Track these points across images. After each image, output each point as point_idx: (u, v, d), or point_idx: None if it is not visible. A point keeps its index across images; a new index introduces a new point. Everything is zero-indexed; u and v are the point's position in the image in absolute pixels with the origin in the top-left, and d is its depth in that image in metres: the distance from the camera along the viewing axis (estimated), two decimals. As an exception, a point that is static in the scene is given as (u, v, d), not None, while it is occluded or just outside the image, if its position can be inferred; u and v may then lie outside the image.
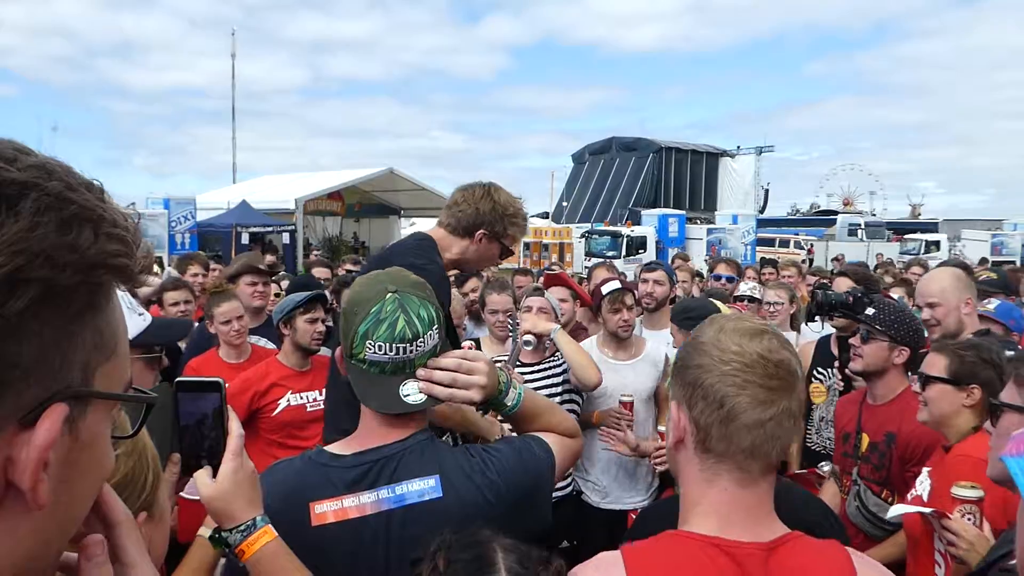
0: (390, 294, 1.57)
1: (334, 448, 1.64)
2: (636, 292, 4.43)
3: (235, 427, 1.39)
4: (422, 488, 1.53)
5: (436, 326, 1.59)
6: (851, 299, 3.78)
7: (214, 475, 1.37)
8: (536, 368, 3.88)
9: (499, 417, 2.04)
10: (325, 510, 1.52)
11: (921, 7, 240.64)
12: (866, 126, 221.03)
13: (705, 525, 1.26)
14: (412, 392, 1.57)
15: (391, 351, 1.55)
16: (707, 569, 1.21)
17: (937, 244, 35.40)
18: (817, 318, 4.07)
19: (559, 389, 3.84)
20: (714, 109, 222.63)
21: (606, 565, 1.26)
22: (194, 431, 1.36)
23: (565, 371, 3.86)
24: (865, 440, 3.17)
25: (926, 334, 3.41)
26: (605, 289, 4.09)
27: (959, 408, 2.55)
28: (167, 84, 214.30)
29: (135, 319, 1.89)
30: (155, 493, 1.13)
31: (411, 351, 1.56)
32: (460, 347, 2.78)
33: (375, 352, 1.56)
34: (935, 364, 2.63)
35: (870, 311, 3.23)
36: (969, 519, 2.00)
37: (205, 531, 1.54)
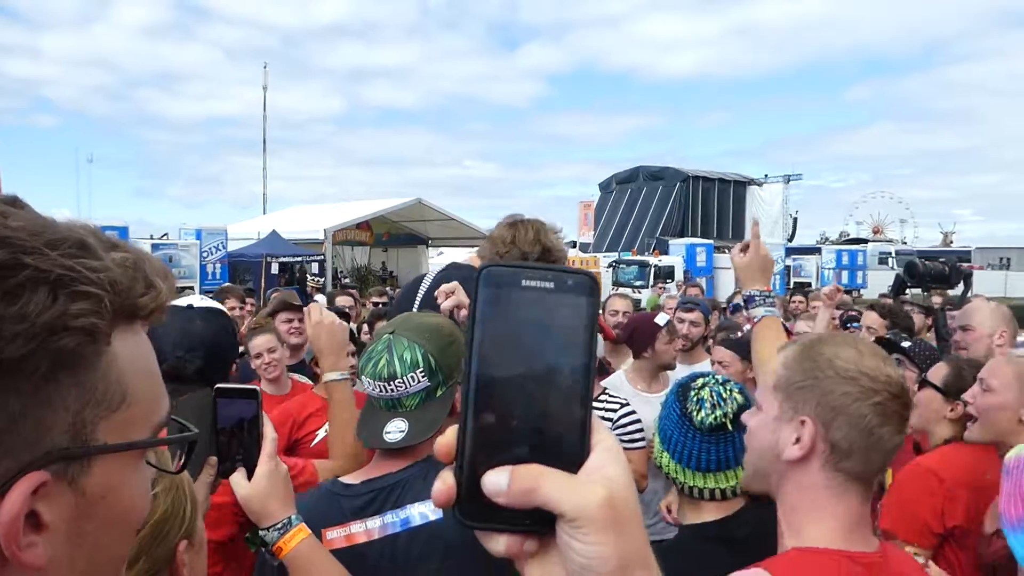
0: (386, 335, 1.69)
1: (347, 478, 1.74)
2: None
3: (269, 432, 1.47)
4: (424, 511, 1.61)
5: (421, 369, 1.65)
6: (947, 270, 3.79)
7: (249, 478, 1.44)
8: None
9: None
10: (335, 536, 1.61)
11: (969, 29, 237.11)
12: (905, 152, 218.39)
13: (830, 539, 1.31)
14: (393, 431, 1.65)
15: (375, 388, 1.67)
16: None
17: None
18: (910, 290, 4.04)
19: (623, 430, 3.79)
20: (752, 136, 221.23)
21: None
22: (231, 435, 1.43)
23: (625, 412, 3.81)
24: (889, 475, 3.16)
25: None
26: (660, 322, 4.14)
27: (940, 418, 2.66)
28: (203, 114, 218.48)
29: None
30: (194, 522, 1.17)
31: (392, 390, 1.64)
32: None
33: (367, 387, 1.69)
34: (936, 372, 2.76)
35: (906, 343, 3.27)
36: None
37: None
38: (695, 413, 1.71)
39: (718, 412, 1.68)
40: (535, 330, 0.59)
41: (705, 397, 1.72)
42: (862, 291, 28.69)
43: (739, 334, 4.45)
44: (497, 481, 0.55)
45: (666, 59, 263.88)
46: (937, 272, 3.83)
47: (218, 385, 1.46)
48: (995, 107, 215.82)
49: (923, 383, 2.74)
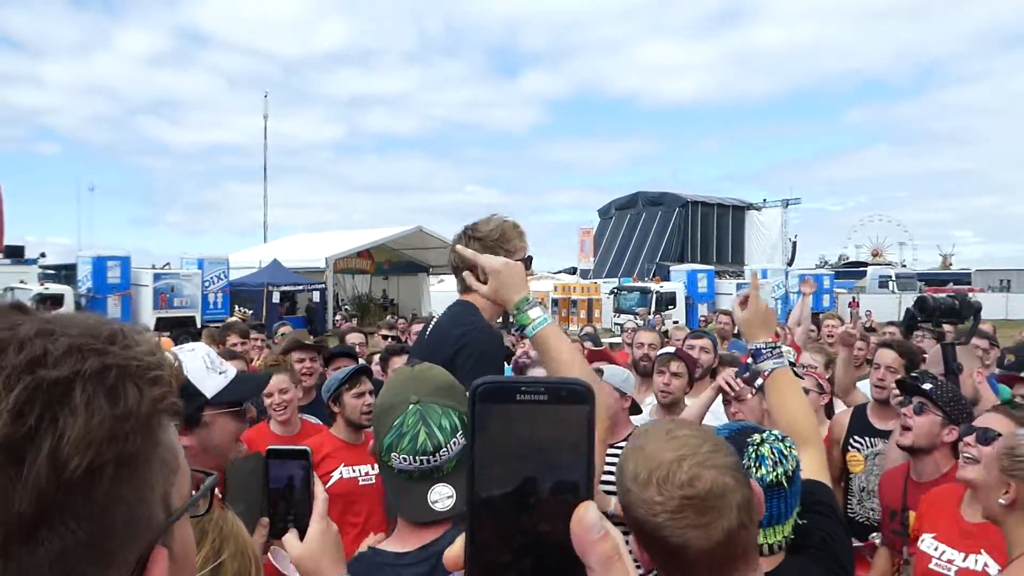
0: (412, 405, 1.64)
1: (387, 547, 1.67)
2: (690, 364, 4.33)
3: (320, 491, 1.48)
4: None
5: (461, 431, 1.64)
6: (957, 303, 3.75)
7: (301, 537, 1.44)
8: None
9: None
10: None
11: (963, 51, 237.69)
12: (903, 175, 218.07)
13: None
14: (440, 498, 1.62)
15: (415, 462, 1.62)
16: None
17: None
18: (921, 325, 4.01)
19: None
20: (750, 160, 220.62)
21: None
22: (283, 496, 1.45)
23: None
24: (913, 517, 3.11)
25: None
26: (659, 352, 4.11)
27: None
28: (204, 142, 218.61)
29: (215, 378, 1.97)
30: None
31: (436, 460, 1.61)
32: None
33: (401, 463, 1.63)
34: (1002, 426, 2.58)
35: (927, 386, 3.18)
36: None
37: None
38: (754, 470, 1.68)
39: (779, 470, 1.66)
40: (532, 444, 0.60)
41: (766, 454, 1.69)
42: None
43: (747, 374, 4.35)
44: (594, 521, 0.57)
45: (665, 85, 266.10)
46: (947, 306, 3.79)
47: (269, 447, 1.47)
48: (992, 129, 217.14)
49: (992, 436, 2.54)
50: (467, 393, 1.79)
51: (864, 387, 4.94)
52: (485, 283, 1.93)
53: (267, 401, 3.97)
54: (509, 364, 5.32)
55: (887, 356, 4.23)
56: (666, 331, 8.12)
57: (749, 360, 2.27)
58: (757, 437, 1.74)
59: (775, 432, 1.77)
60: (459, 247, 2.04)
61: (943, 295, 3.96)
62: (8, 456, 0.53)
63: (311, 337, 5.34)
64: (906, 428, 3.12)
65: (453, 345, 2.52)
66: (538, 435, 0.59)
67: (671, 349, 4.23)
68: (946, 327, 4.23)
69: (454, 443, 1.62)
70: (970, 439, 2.64)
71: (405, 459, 1.62)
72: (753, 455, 1.71)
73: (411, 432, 1.61)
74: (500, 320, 1.93)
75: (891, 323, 7.78)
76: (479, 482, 0.59)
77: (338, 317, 20.09)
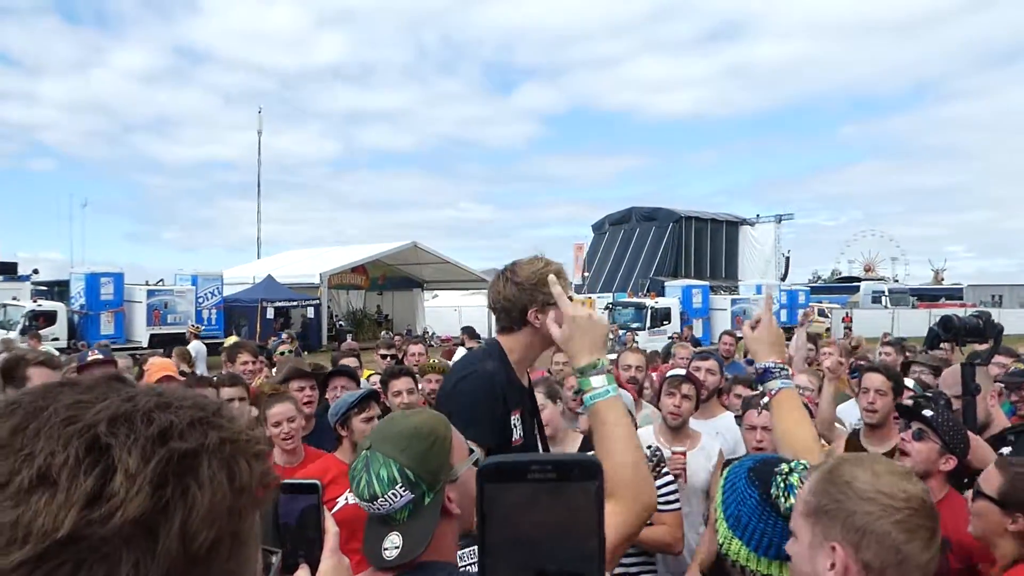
0: (364, 451, 1.66)
1: None
2: (699, 387, 4.31)
3: (331, 526, 1.45)
4: None
5: (400, 484, 1.61)
6: (981, 323, 3.77)
7: (312, 572, 1.42)
8: None
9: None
10: None
11: (956, 68, 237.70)
12: (897, 190, 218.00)
13: None
14: (390, 547, 1.64)
15: (364, 505, 1.65)
16: None
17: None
18: (944, 345, 4.03)
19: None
20: (744, 174, 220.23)
21: None
22: (294, 531, 1.42)
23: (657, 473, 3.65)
24: None
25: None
26: (668, 374, 4.09)
27: (1002, 531, 2.46)
28: (199, 157, 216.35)
29: None
30: None
31: (378, 508, 1.62)
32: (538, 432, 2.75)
33: (360, 503, 1.67)
34: (990, 481, 2.55)
35: (928, 413, 3.16)
36: None
37: None
38: (783, 500, 1.66)
39: None
40: (543, 522, 0.61)
41: (795, 484, 1.66)
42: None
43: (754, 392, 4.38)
44: None
45: (659, 100, 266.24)
46: (971, 326, 3.82)
47: (282, 481, 1.45)
48: (984, 144, 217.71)
49: (977, 493, 2.56)
50: (430, 438, 1.76)
51: (847, 412, 4.91)
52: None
53: (275, 431, 3.91)
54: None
55: (876, 380, 4.20)
56: (669, 347, 8.11)
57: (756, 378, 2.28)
58: (785, 467, 1.71)
59: (802, 461, 1.75)
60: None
61: (967, 315, 3.98)
62: (144, 529, 0.53)
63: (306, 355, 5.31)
64: (904, 453, 3.09)
65: (448, 393, 2.55)
66: (549, 513, 0.60)
67: (681, 371, 4.23)
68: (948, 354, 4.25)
69: (393, 495, 1.61)
70: (969, 495, 2.68)
71: (359, 500, 1.65)
72: (782, 485, 1.68)
73: (356, 477, 1.64)
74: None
75: (887, 343, 7.72)
76: (489, 567, 0.59)
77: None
